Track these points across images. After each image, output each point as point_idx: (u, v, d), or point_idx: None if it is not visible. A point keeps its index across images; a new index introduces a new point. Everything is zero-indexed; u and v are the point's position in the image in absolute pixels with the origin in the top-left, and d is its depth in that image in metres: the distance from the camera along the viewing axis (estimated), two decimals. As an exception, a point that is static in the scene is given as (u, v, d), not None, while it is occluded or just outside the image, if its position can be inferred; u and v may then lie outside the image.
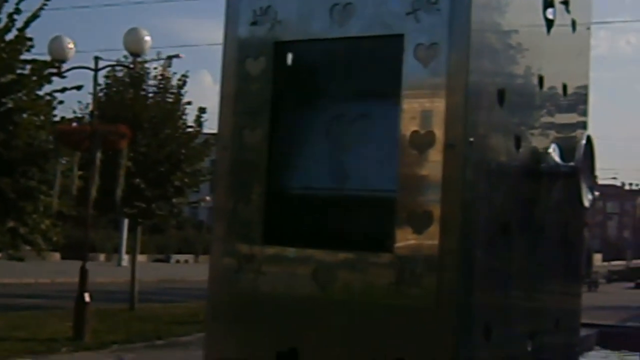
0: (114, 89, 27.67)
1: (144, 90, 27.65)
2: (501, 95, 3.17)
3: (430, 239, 2.91)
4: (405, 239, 2.94)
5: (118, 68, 26.81)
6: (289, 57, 3.24)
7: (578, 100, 4.11)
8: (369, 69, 3.17)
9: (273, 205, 3.20)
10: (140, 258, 32.06)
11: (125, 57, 25.48)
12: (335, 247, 3.09)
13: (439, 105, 2.93)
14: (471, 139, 2.91)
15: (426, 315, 2.90)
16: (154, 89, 28.20)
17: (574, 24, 4.04)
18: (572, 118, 3.99)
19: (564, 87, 3.90)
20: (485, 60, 3.06)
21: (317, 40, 3.18)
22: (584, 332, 4.53)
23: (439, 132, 2.93)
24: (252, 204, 3.19)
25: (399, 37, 3.01)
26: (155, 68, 27.82)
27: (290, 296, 3.13)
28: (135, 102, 26.69)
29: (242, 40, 3.28)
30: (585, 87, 4.23)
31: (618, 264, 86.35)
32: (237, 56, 3.28)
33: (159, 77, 26.91)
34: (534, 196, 3.50)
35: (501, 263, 3.23)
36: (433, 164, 2.92)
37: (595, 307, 22.46)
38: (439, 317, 2.88)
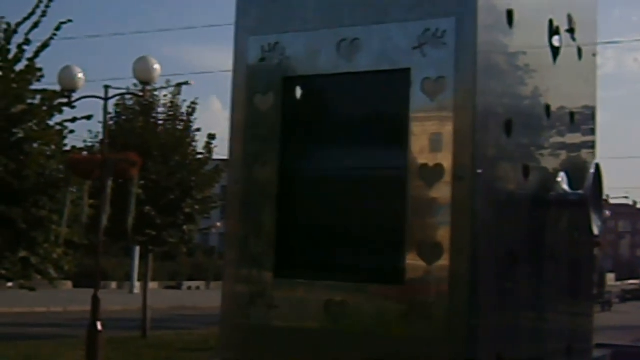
0: (124, 117, 27.76)
1: (153, 118, 27.73)
2: (508, 126, 3.20)
3: (440, 270, 2.93)
4: (416, 270, 2.97)
5: (128, 96, 26.92)
6: (298, 92, 3.28)
7: (585, 123, 4.15)
8: (376, 103, 3.21)
9: (284, 238, 3.23)
10: (152, 285, 32.07)
11: (135, 85, 25.60)
12: (347, 279, 3.12)
13: (447, 138, 2.96)
14: (479, 171, 2.94)
15: (437, 345, 2.92)
16: (164, 116, 28.27)
17: (580, 51, 4.07)
18: (580, 140, 4.03)
19: (571, 111, 3.93)
20: (492, 93, 3.09)
21: (325, 76, 3.22)
22: (598, 353, 4.53)
23: (447, 164, 2.95)
24: (263, 237, 3.22)
25: (406, 72, 3.05)
26: (165, 96, 27.90)
27: (302, 328, 3.15)
28: (145, 129, 26.75)
29: (251, 76, 3.32)
30: (593, 109, 4.26)
31: (631, 283, 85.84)
32: (247, 92, 3.32)
33: (169, 105, 27.01)
34: (543, 223, 3.52)
35: (511, 290, 3.25)
36: (442, 195, 2.95)
37: (609, 327, 22.34)
38: (449, 346, 2.90)
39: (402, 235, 3.01)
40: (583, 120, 4.06)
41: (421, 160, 3.00)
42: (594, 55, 4.33)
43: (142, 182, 25.25)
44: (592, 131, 4.22)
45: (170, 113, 26.14)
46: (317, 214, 3.29)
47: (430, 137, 2.99)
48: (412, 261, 2.98)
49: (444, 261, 2.93)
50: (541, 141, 3.54)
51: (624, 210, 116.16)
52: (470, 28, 2.95)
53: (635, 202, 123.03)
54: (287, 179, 3.24)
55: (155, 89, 27.45)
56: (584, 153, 3.99)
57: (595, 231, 3.55)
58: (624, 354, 5.30)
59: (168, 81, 27.11)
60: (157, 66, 23.02)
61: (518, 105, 3.34)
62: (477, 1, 2.95)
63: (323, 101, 3.33)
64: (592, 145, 4.18)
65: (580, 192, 3.51)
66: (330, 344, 3.11)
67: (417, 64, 3.03)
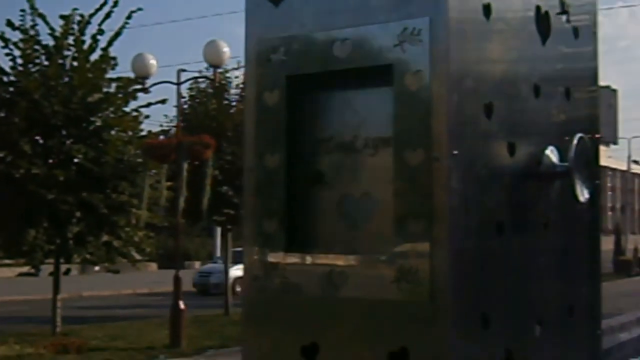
0: (198, 100, 28.40)
1: (226, 99, 28.33)
2: (489, 109, 3.55)
3: (423, 240, 3.32)
4: (401, 241, 3.37)
5: (201, 79, 27.55)
6: (299, 89, 3.69)
7: (584, 104, 4.41)
8: (365, 96, 3.62)
9: (293, 219, 3.65)
10: (234, 263, 32.64)
11: (206, 68, 26.22)
12: (346, 251, 3.54)
13: (425, 124, 3.34)
14: (455, 152, 3.31)
15: (425, 308, 3.31)
16: (237, 97, 28.81)
17: (576, 30, 4.33)
18: (575, 121, 4.29)
19: (567, 91, 4.22)
20: (469, 80, 3.44)
21: (322, 74, 3.63)
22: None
23: (426, 147, 3.34)
24: (274, 218, 3.65)
25: (389, 67, 3.44)
26: (236, 77, 28.46)
27: (311, 297, 3.58)
28: (219, 111, 27.39)
29: (260, 75, 3.73)
30: (594, 90, 4.49)
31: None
32: (257, 89, 3.74)
33: (241, 86, 27.54)
34: (533, 196, 3.87)
35: (499, 256, 3.60)
36: (422, 175, 3.33)
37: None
38: (435, 308, 3.29)
39: (391, 208, 3.41)
40: (580, 100, 4.32)
41: (403, 142, 3.39)
42: (594, 33, 4.55)
43: (220, 161, 25.85)
44: (592, 114, 4.46)
45: (243, 94, 26.76)
46: (318, 196, 3.71)
47: (411, 124, 3.38)
48: (397, 232, 3.38)
49: (427, 232, 3.32)
50: (528, 119, 3.87)
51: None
52: (442, 25, 3.32)
53: None
54: (294, 166, 3.66)
55: (227, 71, 28.05)
56: (582, 130, 4.21)
57: (581, 199, 3.88)
58: None
59: (239, 62, 27.72)
60: (226, 49, 23.59)
61: (501, 89, 3.67)
62: (448, 2, 3.32)
63: (321, 94, 3.73)
64: (592, 127, 4.40)
65: (566, 164, 3.84)
66: (334, 309, 3.53)
67: (398, 59, 3.41)
